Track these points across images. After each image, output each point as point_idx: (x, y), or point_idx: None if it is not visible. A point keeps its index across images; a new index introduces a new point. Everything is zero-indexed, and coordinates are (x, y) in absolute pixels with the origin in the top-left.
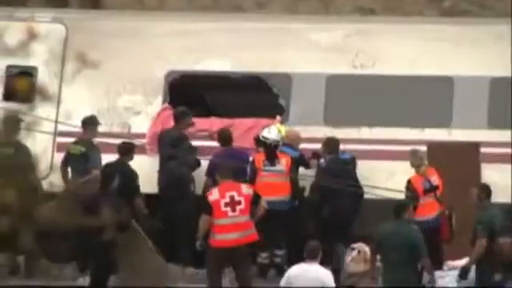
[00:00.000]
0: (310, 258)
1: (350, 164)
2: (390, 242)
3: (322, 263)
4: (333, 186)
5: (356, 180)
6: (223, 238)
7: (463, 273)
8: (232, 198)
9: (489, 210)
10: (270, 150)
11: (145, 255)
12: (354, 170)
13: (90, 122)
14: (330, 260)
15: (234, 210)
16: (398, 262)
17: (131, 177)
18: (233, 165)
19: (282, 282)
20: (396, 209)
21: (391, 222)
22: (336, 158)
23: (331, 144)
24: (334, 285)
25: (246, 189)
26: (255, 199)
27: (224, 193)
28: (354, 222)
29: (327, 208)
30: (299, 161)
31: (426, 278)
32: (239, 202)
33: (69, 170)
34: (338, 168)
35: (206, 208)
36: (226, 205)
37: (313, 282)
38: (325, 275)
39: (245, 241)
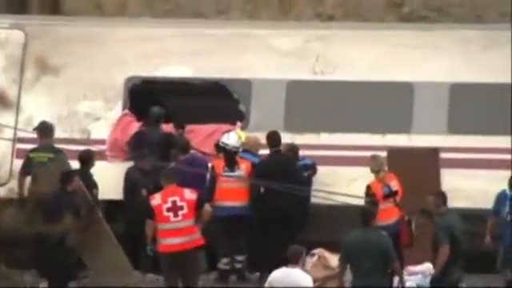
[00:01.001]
0: (292, 262)
1: (309, 170)
2: (360, 250)
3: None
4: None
5: (300, 182)
6: (167, 243)
7: (434, 281)
8: (174, 202)
9: (447, 216)
10: (230, 156)
11: (111, 252)
12: (311, 176)
13: (45, 128)
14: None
15: (176, 215)
16: (369, 270)
17: (90, 187)
18: (176, 169)
19: (266, 284)
20: (364, 216)
21: (360, 230)
22: (267, 159)
23: (270, 138)
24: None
25: (189, 194)
26: (200, 204)
27: (166, 198)
28: (296, 225)
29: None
30: None
31: (396, 282)
32: (181, 207)
33: (28, 177)
34: (270, 167)
35: (149, 213)
36: (168, 210)
37: (295, 285)
38: (304, 280)
39: (189, 246)
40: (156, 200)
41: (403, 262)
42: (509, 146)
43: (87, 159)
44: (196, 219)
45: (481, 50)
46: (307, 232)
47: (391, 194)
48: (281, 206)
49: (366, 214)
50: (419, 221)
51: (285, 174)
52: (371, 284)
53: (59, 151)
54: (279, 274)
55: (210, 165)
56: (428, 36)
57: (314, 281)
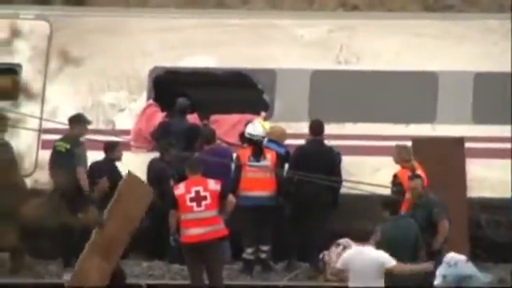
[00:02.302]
0: (362, 240)
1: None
2: (392, 237)
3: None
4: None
5: (337, 172)
6: (190, 233)
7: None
8: (198, 192)
9: (430, 195)
10: (256, 146)
11: None
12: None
13: (76, 120)
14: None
15: (199, 205)
16: (402, 257)
17: (116, 177)
18: (200, 159)
19: (338, 264)
20: (391, 205)
21: (391, 219)
22: (306, 146)
23: (313, 127)
24: (393, 261)
25: (212, 184)
26: (224, 194)
27: (190, 187)
28: (326, 213)
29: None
30: (285, 157)
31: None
32: (205, 197)
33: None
34: (309, 155)
35: (172, 202)
36: (192, 200)
37: (371, 262)
38: (379, 255)
39: (212, 236)
40: (179, 190)
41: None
42: None
43: (111, 149)
44: (220, 210)
45: (504, 39)
46: (332, 221)
47: None
48: (313, 194)
49: (392, 202)
50: None
51: (323, 163)
52: None
53: (78, 142)
54: (353, 253)
55: (234, 155)
56: (452, 25)
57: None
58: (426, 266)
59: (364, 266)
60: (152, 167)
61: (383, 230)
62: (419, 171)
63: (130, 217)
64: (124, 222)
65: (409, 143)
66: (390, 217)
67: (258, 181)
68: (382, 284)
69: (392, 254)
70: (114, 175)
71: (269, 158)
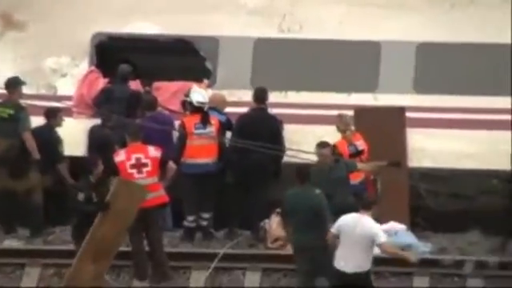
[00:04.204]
0: (365, 208)
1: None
2: (296, 206)
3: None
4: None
5: (280, 141)
6: None
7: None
8: (138, 159)
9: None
10: (204, 114)
11: None
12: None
13: (13, 83)
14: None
15: (140, 172)
16: (305, 226)
17: (54, 143)
18: (141, 126)
19: (333, 229)
20: (302, 175)
21: (297, 188)
22: (250, 113)
23: (257, 95)
24: (383, 238)
25: (153, 151)
26: (164, 161)
27: (130, 155)
28: (268, 181)
29: (232, 168)
30: (226, 124)
31: None
32: (145, 164)
33: None
34: (253, 122)
35: (113, 169)
36: (132, 166)
37: (363, 231)
38: (373, 227)
39: (153, 203)
40: (120, 156)
41: None
42: (472, 105)
43: (52, 115)
44: (160, 176)
45: (447, 9)
46: (274, 190)
47: (357, 153)
48: (256, 162)
49: (302, 172)
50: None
51: (267, 131)
52: (307, 239)
53: (21, 108)
54: (350, 219)
55: (177, 122)
56: None
57: (277, 239)
58: (409, 255)
59: (355, 235)
60: (96, 134)
61: (287, 198)
62: (359, 141)
63: (122, 218)
64: (116, 223)
65: (351, 112)
66: (299, 186)
67: (204, 148)
68: (370, 256)
69: (293, 222)
70: (49, 143)
71: (213, 125)
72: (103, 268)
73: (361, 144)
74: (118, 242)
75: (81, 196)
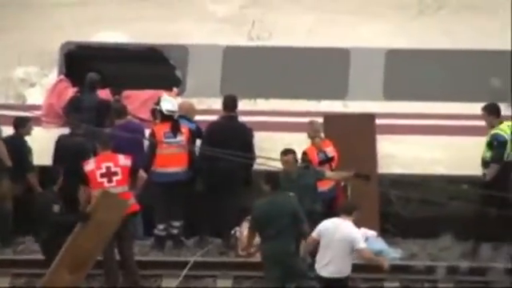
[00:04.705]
0: (346, 213)
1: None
2: (272, 213)
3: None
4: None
5: (250, 149)
6: None
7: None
8: (108, 168)
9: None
10: (174, 123)
11: None
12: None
13: None
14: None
15: (110, 180)
16: (280, 232)
17: (24, 152)
18: (111, 135)
19: (314, 234)
20: (272, 181)
21: (269, 196)
22: (220, 121)
23: (226, 102)
24: (363, 244)
25: (123, 160)
26: (135, 170)
27: (100, 163)
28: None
29: (202, 176)
30: (196, 132)
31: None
32: (116, 173)
33: None
34: (223, 131)
35: (83, 178)
36: (102, 175)
37: (343, 237)
38: (353, 232)
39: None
40: (90, 165)
41: None
42: (441, 111)
43: (21, 124)
44: (131, 185)
45: (416, 15)
46: (244, 197)
47: (327, 160)
48: (227, 170)
49: (274, 178)
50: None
51: (237, 139)
52: (279, 246)
53: None
54: (330, 224)
55: (147, 131)
56: (365, 2)
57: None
58: (383, 261)
59: (335, 240)
60: (66, 143)
61: (257, 205)
62: (329, 148)
63: (101, 230)
64: (96, 234)
65: (321, 119)
66: (270, 192)
67: (174, 157)
68: (350, 263)
69: (266, 231)
70: (20, 152)
71: (184, 134)
72: (79, 279)
73: (330, 151)
74: (95, 253)
75: (56, 208)
